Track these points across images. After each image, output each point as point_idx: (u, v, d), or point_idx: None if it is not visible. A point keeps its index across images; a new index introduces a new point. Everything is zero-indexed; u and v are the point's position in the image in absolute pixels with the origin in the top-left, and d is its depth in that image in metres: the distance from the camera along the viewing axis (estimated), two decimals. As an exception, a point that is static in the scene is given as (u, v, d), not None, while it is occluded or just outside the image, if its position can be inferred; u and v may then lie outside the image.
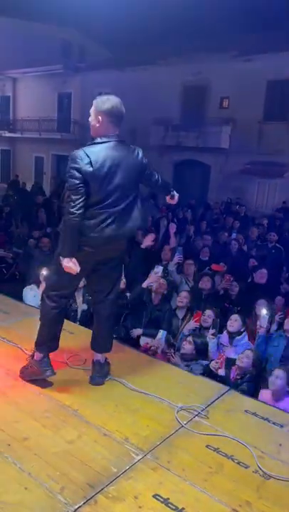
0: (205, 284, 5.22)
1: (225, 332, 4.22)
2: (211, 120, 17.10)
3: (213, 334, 4.02)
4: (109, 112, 2.51)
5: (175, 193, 3.01)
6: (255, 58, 15.65)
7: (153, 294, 4.61)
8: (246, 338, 4.15)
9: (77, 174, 2.40)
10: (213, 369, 3.52)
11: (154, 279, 4.50)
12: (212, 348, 3.93)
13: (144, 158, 2.64)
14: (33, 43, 22.49)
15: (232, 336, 4.17)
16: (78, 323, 4.18)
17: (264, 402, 2.98)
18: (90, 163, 2.40)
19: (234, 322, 4.16)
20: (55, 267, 2.67)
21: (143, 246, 5.27)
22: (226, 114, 16.94)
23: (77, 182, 2.40)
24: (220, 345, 4.17)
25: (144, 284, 4.48)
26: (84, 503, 1.85)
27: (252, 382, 3.50)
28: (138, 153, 2.61)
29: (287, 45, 14.53)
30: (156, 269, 4.49)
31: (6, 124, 24.15)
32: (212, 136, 16.81)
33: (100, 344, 2.87)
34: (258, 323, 3.98)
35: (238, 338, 4.14)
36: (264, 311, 3.98)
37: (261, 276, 5.70)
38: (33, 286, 4.74)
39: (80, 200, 2.41)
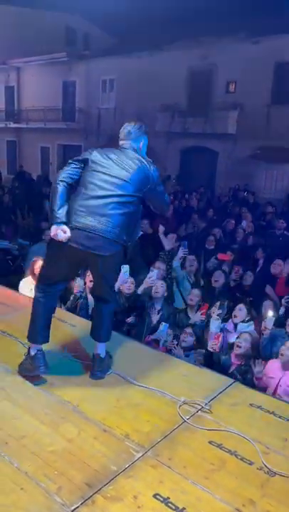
0: (217, 280, 5.08)
1: (230, 320, 4.14)
2: (217, 105, 16.83)
3: (218, 315, 3.93)
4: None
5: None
6: (262, 40, 15.28)
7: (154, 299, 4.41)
8: (252, 327, 4.05)
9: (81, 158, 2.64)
10: (212, 349, 3.53)
11: (149, 284, 4.34)
12: (213, 328, 3.83)
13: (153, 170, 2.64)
14: (37, 32, 22.22)
15: (237, 325, 4.09)
16: (90, 318, 4.15)
17: (270, 396, 2.90)
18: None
19: (238, 311, 4.11)
20: (45, 257, 2.70)
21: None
22: (233, 98, 16.64)
23: (76, 158, 2.63)
24: (224, 330, 4.08)
25: (140, 291, 4.34)
26: (81, 504, 1.80)
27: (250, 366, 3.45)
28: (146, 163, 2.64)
29: (296, 25, 14.14)
30: (149, 274, 4.35)
31: (11, 114, 24.04)
32: (219, 121, 16.55)
33: (99, 332, 2.82)
34: (264, 324, 3.87)
35: (243, 324, 4.06)
36: (270, 313, 3.88)
37: (276, 267, 5.54)
38: (28, 277, 4.65)
39: (69, 169, 2.59)
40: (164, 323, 3.92)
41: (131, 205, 2.57)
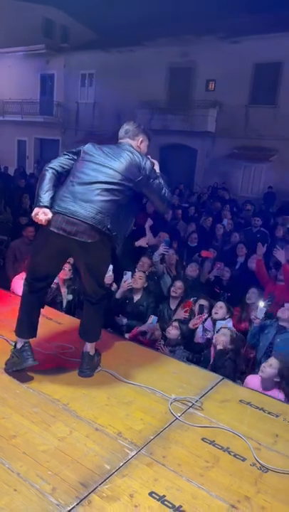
0: (192, 271, 5.15)
1: (209, 319, 4.16)
2: (197, 103, 16.91)
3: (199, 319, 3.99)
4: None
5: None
6: (242, 40, 15.43)
7: (133, 290, 4.44)
8: (231, 324, 4.09)
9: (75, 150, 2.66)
10: (191, 326, 3.70)
11: (125, 287, 4.33)
12: (198, 332, 3.91)
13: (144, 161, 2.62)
14: (14, 22, 21.71)
15: (216, 322, 4.12)
16: (66, 313, 4.07)
17: (259, 391, 2.92)
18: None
19: (219, 309, 4.12)
20: (31, 250, 2.69)
21: (137, 245, 5.14)
22: (213, 97, 16.77)
23: (71, 150, 2.68)
24: (204, 329, 4.12)
25: (118, 295, 4.32)
26: (77, 504, 1.76)
27: (232, 361, 3.45)
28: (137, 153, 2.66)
29: (275, 27, 14.34)
30: (124, 277, 4.31)
31: (-14, 106, 23.44)
32: (198, 119, 16.65)
33: (88, 332, 2.76)
34: (253, 314, 3.91)
35: (221, 322, 4.09)
36: (261, 304, 3.92)
37: (253, 262, 5.61)
38: (22, 275, 4.54)
39: (62, 159, 2.63)
40: (153, 316, 3.90)
41: (119, 193, 2.51)
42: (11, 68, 22.23)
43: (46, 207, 2.44)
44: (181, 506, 1.81)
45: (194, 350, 3.79)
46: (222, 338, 3.58)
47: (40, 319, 3.20)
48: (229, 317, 4.15)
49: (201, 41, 16.25)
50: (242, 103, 16.07)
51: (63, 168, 2.60)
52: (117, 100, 17.95)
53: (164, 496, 1.86)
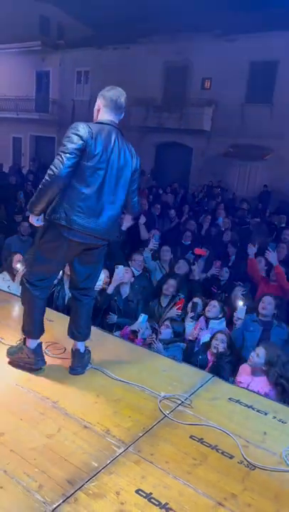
0: (180, 268, 5.13)
1: (202, 317, 4.17)
2: (193, 101, 16.89)
3: (192, 317, 3.99)
4: (108, 98, 2.52)
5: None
6: (238, 38, 15.41)
7: (120, 286, 4.42)
8: (224, 324, 4.10)
9: (75, 139, 2.32)
10: (191, 337, 3.62)
11: (117, 281, 4.32)
12: (188, 330, 3.90)
13: (138, 161, 2.60)
14: (9, 18, 21.57)
15: (209, 320, 4.12)
16: (66, 309, 4.11)
17: (248, 389, 2.93)
18: (91, 132, 2.36)
19: (212, 308, 4.12)
20: (34, 249, 2.61)
21: (124, 228, 5.11)
22: (208, 95, 16.75)
23: (75, 146, 2.31)
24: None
25: (109, 290, 4.30)
26: (63, 502, 1.77)
27: (230, 363, 3.47)
28: (133, 150, 2.58)
29: (272, 25, 14.31)
30: (116, 271, 4.31)
31: (-19, 103, 23.32)
32: (194, 117, 16.62)
33: (78, 332, 2.76)
34: (235, 314, 3.91)
35: (214, 321, 4.10)
36: (240, 303, 3.92)
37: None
38: (5, 274, 4.52)
39: (71, 159, 2.30)
40: (143, 314, 3.90)
41: (122, 201, 2.57)
42: (7, 65, 22.11)
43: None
44: (167, 503, 1.82)
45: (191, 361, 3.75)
46: (220, 345, 3.59)
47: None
48: (222, 316, 4.15)
49: (197, 39, 16.21)
50: (238, 101, 16.05)
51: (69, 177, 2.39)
52: (112, 97, 17.88)
53: (151, 493, 1.86)
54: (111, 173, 2.42)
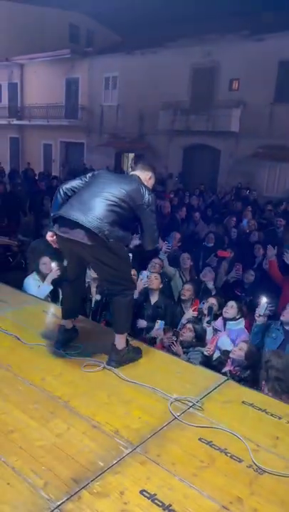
0: (207, 275, 5.09)
1: (220, 318, 4.12)
2: (220, 103, 16.78)
3: (208, 322, 3.95)
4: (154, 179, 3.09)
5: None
6: (266, 38, 15.22)
7: (149, 292, 4.47)
8: (242, 324, 4.03)
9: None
10: (206, 353, 3.58)
11: (141, 287, 4.36)
12: (209, 335, 3.87)
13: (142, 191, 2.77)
14: (41, 29, 22.22)
15: (226, 321, 4.07)
16: (91, 312, 4.24)
17: (262, 393, 2.87)
18: None
19: (230, 309, 4.07)
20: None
21: (132, 246, 5.14)
22: (236, 96, 16.59)
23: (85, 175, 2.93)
24: (214, 330, 4.08)
25: (135, 296, 4.32)
26: (67, 499, 1.79)
27: (249, 373, 3.41)
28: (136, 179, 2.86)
29: (300, 23, 14.05)
30: (140, 276, 4.37)
31: (14, 111, 24.06)
32: (222, 119, 16.50)
33: (114, 322, 3.00)
34: (257, 310, 3.85)
35: (231, 323, 4.05)
36: (264, 299, 3.85)
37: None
38: (34, 274, 4.62)
39: (74, 182, 2.88)
40: (159, 320, 3.90)
41: (120, 208, 2.67)
42: (38, 74, 22.72)
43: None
44: (171, 505, 1.81)
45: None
46: (237, 352, 3.51)
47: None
48: (240, 317, 4.09)
49: (224, 40, 16.11)
50: (266, 102, 15.82)
51: (74, 191, 2.83)
52: (140, 102, 18.05)
53: (155, 494, 1.86)
54: None
